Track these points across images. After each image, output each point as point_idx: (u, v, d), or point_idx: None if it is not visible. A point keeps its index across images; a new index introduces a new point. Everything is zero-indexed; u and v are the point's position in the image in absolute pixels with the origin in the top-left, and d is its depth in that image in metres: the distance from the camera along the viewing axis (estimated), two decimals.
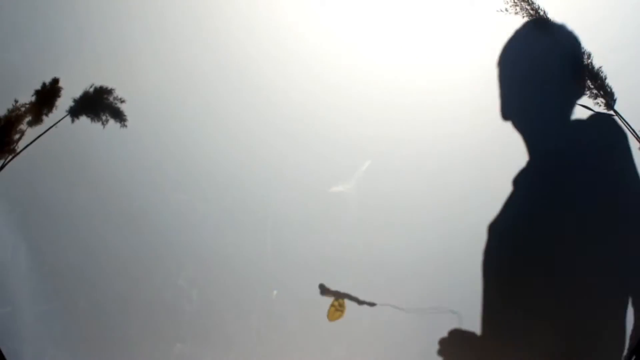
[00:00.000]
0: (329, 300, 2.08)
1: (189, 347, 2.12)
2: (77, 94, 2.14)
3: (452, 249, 2.12)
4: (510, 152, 2.13)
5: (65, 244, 2.14)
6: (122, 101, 2.14)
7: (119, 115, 2.12)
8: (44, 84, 2.12)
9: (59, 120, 2.12)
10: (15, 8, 2.15)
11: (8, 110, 2.09)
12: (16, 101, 2.10)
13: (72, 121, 2.12)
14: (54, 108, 2.12)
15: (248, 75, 2.16)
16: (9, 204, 2.14)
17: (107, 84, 2.14)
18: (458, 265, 2.11)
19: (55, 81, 2.13)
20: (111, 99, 2.12)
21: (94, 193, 2.14)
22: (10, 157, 2.08)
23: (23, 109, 2.09)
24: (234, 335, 2.13)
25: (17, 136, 2.09)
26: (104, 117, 2.13)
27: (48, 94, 2.11)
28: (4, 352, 2.04)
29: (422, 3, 2.16)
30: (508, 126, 2.12)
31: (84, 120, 2.14)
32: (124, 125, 2.13)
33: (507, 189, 2.11)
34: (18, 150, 2.09)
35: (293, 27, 2.16)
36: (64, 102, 2.15)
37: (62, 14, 2.17)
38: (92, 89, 2.13)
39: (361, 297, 2.09)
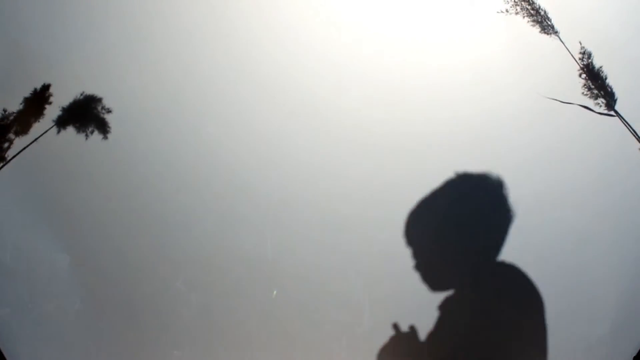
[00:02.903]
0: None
1: (187, 353, 2.10)
2: (65, 101, 2.13)
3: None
4: (507, 154, 2.13)
5: (61, 247, 2.12)
6: (109, 111, 2.12)
7: (103, 126, 2.10)
8: (34, 90, 2.10)
9: (46, 131, 2.10)
10: (5, 13, 2.14)
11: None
12: (5, 110, 2.09)
13: (58, 132, 2.11)
14: (42, 117, 2.10)
15: (246, 75, 2.15)
16: (6, 206, 2.12)
17: (97, 91, 2.12)
18: None
19: (45, 88, 2.11)
20: (99, 108, 2.10)
21: (88, 195, 2.12)
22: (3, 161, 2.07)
23: (12, 117, 2.07)
24: (233, 341, 2.10)
25: (5, 144, 2.07)
26: (89, 129, 2.11)
27: (37, 102, 2.09)
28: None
29: (422, 3, 2.16)
30: (507, 126, 2.13)
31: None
32: (105, 138, 2.11)
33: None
34: (7, 158, 2.07)
35: (292, 26, 2.15)
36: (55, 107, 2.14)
37: (55, 18, 2.16)
38: (81, 97, 2.11)
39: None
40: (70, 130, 2.12)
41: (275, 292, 2.11)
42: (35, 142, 2.08)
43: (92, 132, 2.11)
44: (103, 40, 2.12)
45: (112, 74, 2.12)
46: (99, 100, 2.09)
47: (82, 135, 2.11)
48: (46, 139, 2.11)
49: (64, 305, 2.11)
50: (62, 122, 2.09)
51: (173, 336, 2.10)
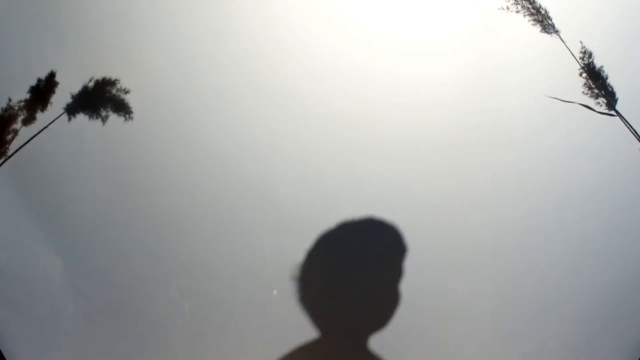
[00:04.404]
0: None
1: None
2: (75, 88, 2.10)
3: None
4: (507, 153, 2.13)
5: (55, 250, 2.09)
6: (127, 92, 2.08)
7: (123, 108, 2.07)
8: (39, 79, 2.07)
9: (52, 122, 2.07)
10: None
11: (2, 109, 2.04)
12: (10, 99, 2.05)
13: (69, 119, 2.08)
14: (49, 105, 2.07)
15: (258, 69, 2.14)
16: (3, 206, 2.09)
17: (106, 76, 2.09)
18: None
19: (51, 75, 2.08)
20: (114, 91, 2.07)
21: (82, 198, 2.10)
22: (2, 160, 2.03)
23: (17, 107, 2.03)
24: (229, 351, 2.07)
25: (9, 136, 2.03)
26: (103, 114, 2.08)
27: (44, 90, 2.06)
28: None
29: (422, 2, 2.17)
30: (507, 125, 2.13)
31: (76, 120, 2.10)
32: (130, 118, 2.08)
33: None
34: (10, 152, 2.04)
35: (293, 26, 2.15)
36: (63, 98, 2.11)
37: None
38: (91, 83, 2.08)
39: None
40: (66, 131, 2.09)
41: (275, 292, 2.08)
42: (31, 142, 2.05)
43: (106, 118, 2.08)
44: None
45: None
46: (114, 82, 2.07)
47: (76, 137, 2.09)
48: (42, 140, 2.08)
49: (58, 309, 2.07)
50: (71, 110, 2.06)
51: (166, 344, 2.07)
